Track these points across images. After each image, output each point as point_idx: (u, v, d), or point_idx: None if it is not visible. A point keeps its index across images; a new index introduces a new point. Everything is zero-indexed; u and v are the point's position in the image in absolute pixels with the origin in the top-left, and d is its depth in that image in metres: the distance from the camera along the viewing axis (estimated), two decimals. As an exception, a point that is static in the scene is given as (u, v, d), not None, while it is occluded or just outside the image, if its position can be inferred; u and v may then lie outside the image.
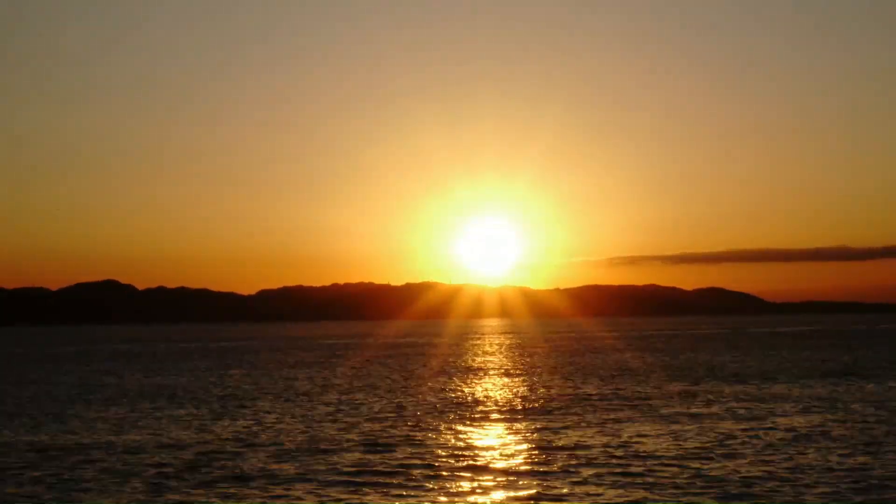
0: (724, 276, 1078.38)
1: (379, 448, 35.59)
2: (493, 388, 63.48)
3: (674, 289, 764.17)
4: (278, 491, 27.80)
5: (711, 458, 32.08)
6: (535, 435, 38.92)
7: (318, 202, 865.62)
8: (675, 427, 40.41)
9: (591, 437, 38.06)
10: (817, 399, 51.88)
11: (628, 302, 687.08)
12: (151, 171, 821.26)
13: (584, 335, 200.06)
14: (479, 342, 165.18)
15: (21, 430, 42.71)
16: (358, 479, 29.34)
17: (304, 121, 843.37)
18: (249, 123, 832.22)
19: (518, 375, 75.34)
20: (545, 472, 30.20)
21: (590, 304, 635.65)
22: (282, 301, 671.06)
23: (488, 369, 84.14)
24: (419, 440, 37.73)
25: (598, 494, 26.61)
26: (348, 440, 37.97)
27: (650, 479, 28.76)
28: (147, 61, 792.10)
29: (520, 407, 50.55)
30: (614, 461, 31.91)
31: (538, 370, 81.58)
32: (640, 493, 26.86)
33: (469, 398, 55.55)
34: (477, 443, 36.88)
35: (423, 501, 26.33)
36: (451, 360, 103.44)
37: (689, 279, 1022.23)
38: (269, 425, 43.67)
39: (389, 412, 48.56)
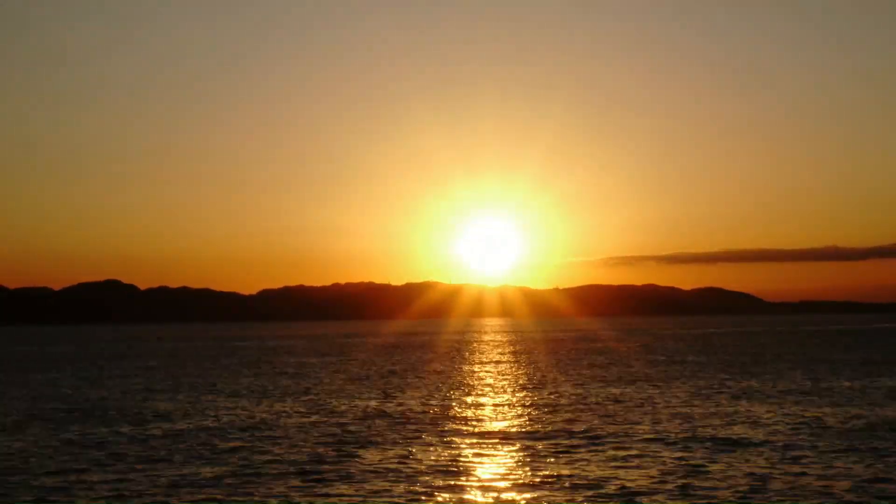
0: (721, 276, 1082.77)
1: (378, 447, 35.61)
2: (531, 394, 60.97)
3: (672, 288, 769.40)
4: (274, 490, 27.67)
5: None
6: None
7: (318, 202, 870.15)
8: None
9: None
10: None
11: (628, 302, 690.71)
12: (153, 171, 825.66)
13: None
14: (497, 341, 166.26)
15: None
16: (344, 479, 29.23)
17: (306, 122, 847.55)
18: (251, 124, 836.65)
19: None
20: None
21: (589, 304, 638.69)
22: (283, 301, 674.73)
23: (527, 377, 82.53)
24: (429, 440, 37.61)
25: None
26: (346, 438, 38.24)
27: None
28: (149, 62, 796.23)
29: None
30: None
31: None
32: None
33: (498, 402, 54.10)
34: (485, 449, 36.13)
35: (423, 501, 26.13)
36: (484, 361, 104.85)
37: (685, 279, 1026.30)
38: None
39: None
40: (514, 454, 33.67)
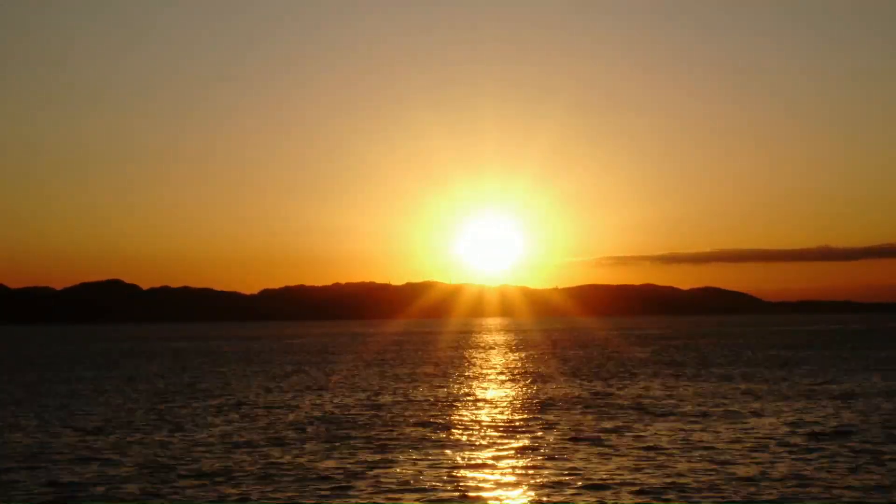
0: (718, 276, 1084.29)
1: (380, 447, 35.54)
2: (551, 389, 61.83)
3: (671, 288, 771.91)
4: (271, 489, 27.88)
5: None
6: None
7: (319, 203, 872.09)
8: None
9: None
10: None
11: (627, 301, 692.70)
12: (155, 172, 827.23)
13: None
14: (505, 341, 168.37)
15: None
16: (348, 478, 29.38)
17: (306, 122, 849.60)
18: (251, 125, 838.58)
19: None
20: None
21: (589, 303, 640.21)
22: (284, 300, 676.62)
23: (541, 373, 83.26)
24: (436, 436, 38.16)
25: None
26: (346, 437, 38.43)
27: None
28: (152, 63, 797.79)
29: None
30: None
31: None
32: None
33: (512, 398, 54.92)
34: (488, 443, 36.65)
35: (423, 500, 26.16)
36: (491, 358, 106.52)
37: (682, 279, 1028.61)
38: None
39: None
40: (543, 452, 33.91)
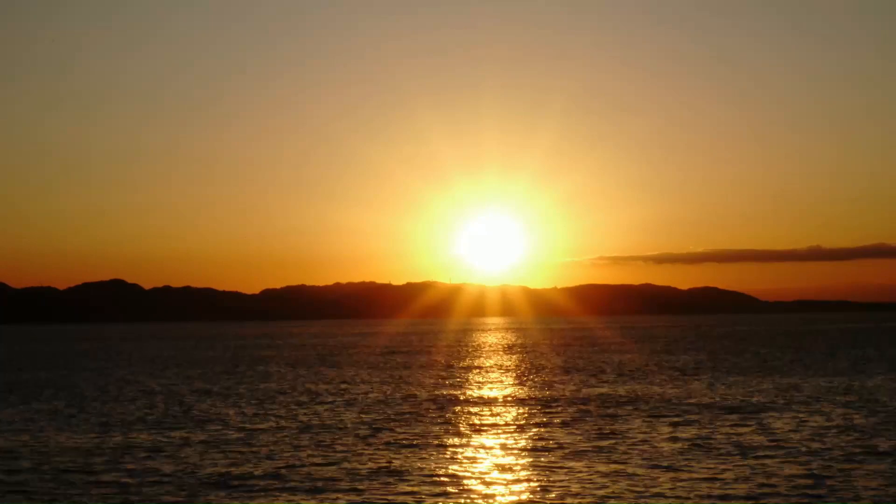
0: (715, 276, 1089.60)
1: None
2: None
3: (669, 288, 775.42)
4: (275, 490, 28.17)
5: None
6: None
7: (320, 203, 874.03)
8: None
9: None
10: None
11: (626, 301, 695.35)
12: (156, 173, 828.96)
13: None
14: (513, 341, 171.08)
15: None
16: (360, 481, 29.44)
17: (308, 123, 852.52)
18: (253, 126, 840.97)
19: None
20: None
21: (588, 303, 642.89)
22: (285, 300, 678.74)
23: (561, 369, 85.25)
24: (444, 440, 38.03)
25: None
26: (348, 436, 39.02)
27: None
28: (153, 64, 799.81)
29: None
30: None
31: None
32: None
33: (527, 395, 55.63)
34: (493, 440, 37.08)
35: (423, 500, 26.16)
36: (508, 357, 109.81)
37: (680, 278, 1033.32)
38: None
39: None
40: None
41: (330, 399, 55.24)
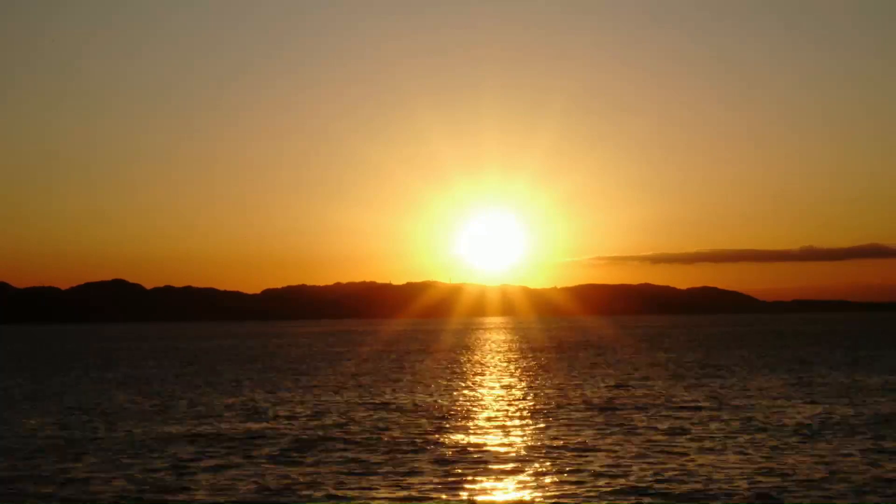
0: (710, 276, 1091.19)
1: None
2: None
3: (668, 287, 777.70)
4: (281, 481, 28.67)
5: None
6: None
7: (320, 203, 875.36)
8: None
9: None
10: None
11: (626, 301, 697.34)
12: (158, 173, 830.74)
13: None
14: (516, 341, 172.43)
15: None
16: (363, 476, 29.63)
17: (308, 123, 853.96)
18: (253, 126, 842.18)
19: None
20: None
21: (588, 303, 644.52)
22: (286, 300, 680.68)
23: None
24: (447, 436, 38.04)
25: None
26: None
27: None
28: (155, 65, 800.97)
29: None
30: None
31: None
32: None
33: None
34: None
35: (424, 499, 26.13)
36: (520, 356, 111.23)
37: (676, 278, 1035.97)
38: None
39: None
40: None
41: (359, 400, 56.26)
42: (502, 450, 33.94)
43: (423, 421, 42.64)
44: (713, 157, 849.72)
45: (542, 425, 40.50)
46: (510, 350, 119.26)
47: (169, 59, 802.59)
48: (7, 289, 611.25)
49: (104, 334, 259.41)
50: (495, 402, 50.89)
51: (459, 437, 37.22)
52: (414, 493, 26.55)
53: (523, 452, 33.26)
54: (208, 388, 62.90)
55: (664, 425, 39.96)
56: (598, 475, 28.85)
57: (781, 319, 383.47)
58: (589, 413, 45.23)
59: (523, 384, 63.28)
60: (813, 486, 27.05)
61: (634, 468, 29.94)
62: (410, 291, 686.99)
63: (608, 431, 38.29)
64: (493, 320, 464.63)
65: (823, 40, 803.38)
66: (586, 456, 32.34)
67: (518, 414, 45.26)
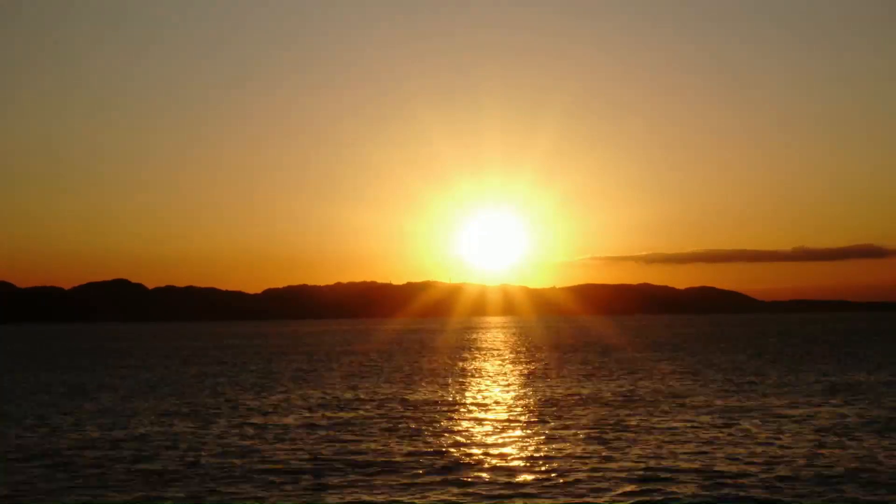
0: (708, 276, 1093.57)
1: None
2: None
3: (667, 287, 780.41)
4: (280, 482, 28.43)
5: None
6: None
7: (321, 203, 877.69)
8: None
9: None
10: None
11: (625, 300, 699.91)
12: (160, 173, 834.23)
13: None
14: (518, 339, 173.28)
15: None
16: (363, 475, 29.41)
17: (310, 124, 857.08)
18: (255, 127, 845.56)
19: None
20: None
21: (588, 302, 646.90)
22: (287, 300, 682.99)
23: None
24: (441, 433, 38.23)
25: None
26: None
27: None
28: (159, 66, 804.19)
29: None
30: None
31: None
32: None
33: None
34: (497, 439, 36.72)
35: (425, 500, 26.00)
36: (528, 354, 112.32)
37: (674, 278, 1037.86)
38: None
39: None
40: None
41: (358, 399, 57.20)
42: (502, 450, 33.72)
43: (423, 420, 42.91)
44: (712, 158, 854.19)
45: (541, 425, 40.34)
46: (511, 350, 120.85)
47: (172, 61, 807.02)
48: (11, 288, 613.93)
49: (117, 333, 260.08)
50: (496, 403, 50.95)
51: (460, 438, 36.95)
52: (414, 493, 26.40)
53: (524, 452, 33.07)
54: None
55: (672, 423, 39.88)
56: (603, 473, 28.78)
57: (781, 319, 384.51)
58: (593, 410, 45.53)
59: (524, 384, 64.39)
60: (832, 483, 27.12)
61: (641, 466, 29.87)
62: (411, 291, 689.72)
63: (615, 429, 38.45)
64: (494, 320, 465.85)
65: (818, 43, 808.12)
66: (589, 455, 32.18)
67: (519, 412, 45.53)
